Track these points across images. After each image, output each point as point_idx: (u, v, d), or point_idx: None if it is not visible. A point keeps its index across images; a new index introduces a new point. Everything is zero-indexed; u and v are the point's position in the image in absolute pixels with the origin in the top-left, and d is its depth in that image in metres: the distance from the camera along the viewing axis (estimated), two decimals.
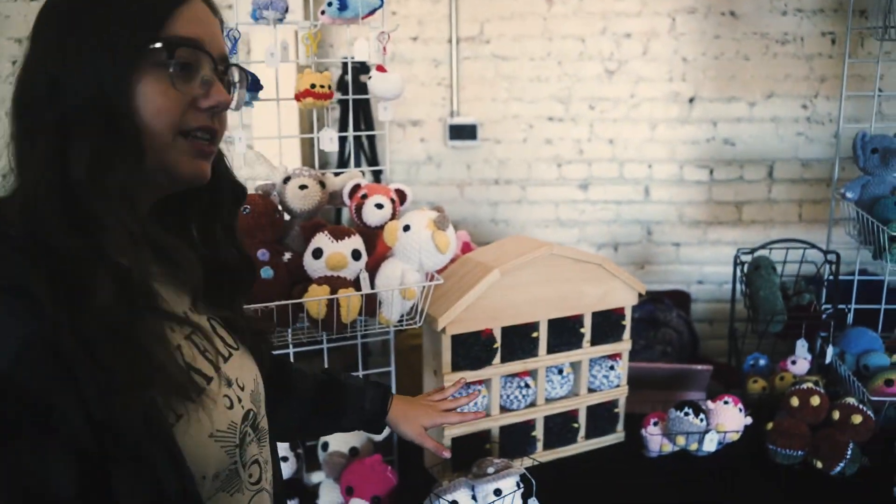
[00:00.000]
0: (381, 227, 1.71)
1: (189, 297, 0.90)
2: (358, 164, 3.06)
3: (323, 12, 1.80)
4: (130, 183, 0.78)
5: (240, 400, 0.90)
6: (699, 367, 2.10)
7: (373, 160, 3.08)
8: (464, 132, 3.11)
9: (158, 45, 0.79)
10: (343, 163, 3.03)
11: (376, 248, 1.74)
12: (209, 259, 0.92)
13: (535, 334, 1.76)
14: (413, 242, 1.62)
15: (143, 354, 0.73)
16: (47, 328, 0.68)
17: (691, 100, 3.02)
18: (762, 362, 2.14)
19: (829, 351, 2.05)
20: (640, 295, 1.88)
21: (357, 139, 3.04)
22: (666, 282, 3.12)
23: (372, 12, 1.79)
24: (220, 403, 0.85)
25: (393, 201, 1.79)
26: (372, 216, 1.75)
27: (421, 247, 1.61)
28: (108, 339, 0.71)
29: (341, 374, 1.35)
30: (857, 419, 1.76)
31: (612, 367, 1.87)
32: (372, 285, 1.66)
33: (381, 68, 1.83)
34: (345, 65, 2.97)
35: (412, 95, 3.16)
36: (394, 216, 1.78)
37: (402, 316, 1.69)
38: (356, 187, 1.80)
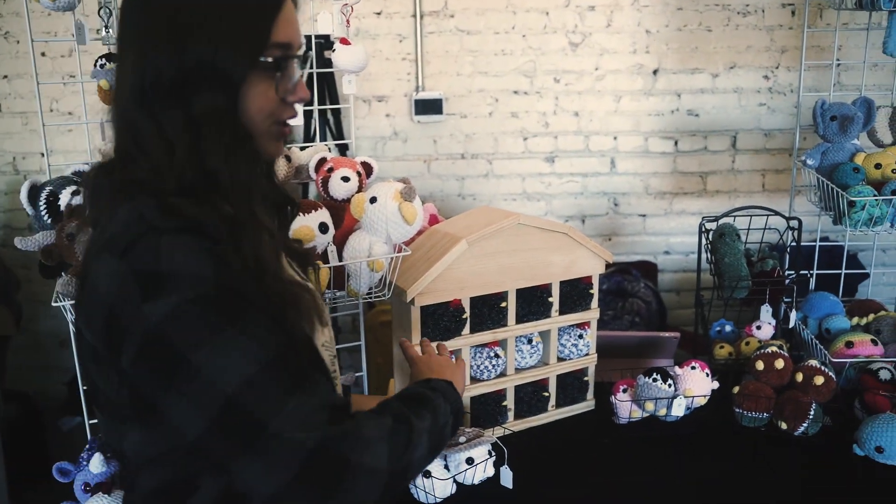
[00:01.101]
0: (347, 200, 1.71)
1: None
2: (324, 139, 3.03)
3: None
4: (246, 167, 0.95)
5: (327, 321, 1.13)
6: (666, 334, 2.13)
7: (338, 135, 3.05)
8: (429, 107, 3.09)
9: (269, 59, 0.93)
10: (309, 138, 2.99)
11: (343, 221, 1.73)
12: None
13: (503, 304, 1.76)
14: (380, 214, 1.61)
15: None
16: (224, 251, 0.88)
17: (655, 72, 3.03)
18: (728, 328, 2.17)
19: (793, 316, 2.08)
20: (607, 264, 1.89)
21: (322, 114, 3.01)
22: (633, 253, 3.15)
23: None
24: (323, 317, 1.09)
25: (359, 174, 1.78)
26: (338, 189, 1.74)
27: (388, 218, 1.61)
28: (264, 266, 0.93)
29: None
30: (820, 380, 1.79)
31: (580, 336, 1.88)
32: (340, 258, 1.66)
33: (344, 41, 1.82)
34: (308, 39, 2.96)
35: (377, 71, 3.13)
36: (360, 189, 1.78)
37: (370, 289, 1.69)
38: (322, 161, 1.78)
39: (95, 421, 1.41)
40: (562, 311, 1.85)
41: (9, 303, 2.85)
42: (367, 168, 1.82)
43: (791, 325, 2.08)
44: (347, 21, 1.81)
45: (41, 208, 1.53)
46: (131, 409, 0.92)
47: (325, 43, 2.97)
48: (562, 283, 1.84)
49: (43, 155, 1.66)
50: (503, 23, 3.03)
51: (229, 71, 0.90)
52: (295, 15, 0.97)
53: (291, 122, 1.85)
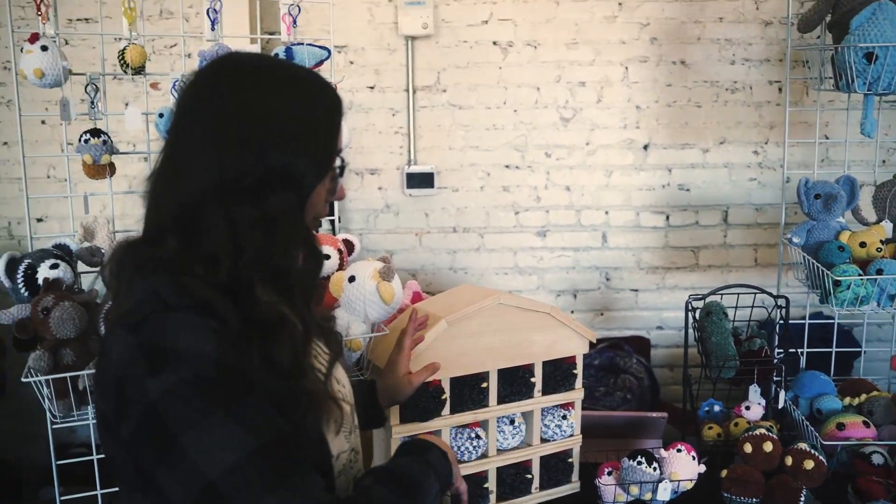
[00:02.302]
0: (328, 278, 1.70)
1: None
2: None
3: None
4: (315, 261, 1.07)
5: (345, 398, 1.10)
6: (654, 414, 2.09)
7: (329, 208, 3.07)
8: (421, 180, 3.12)
9: (337, 168, 1.03)
10: None
11: (324, 299, 1.72)
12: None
13: (484, 384, 1.74)
14: (358, 294, 1.61)
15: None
16: (229, 330, 0.91)
17: (646, 146, 3.06)
18: (717, 408, 2.13)
19: (782, 396, 2.05)
20: (591, 343, 1.87)
21: None
22: (625, 328, 3.13)
23: (320, 63, 1.80)
24: (348, 415, 1.09)
25: (341, 252, 1.79)
26: None
27: (366, 298, 1.60)
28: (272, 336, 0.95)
29: None
30: (810, 465, 1.75)
31: (564, 417, 1.85)
32: None
33: None
34: None
35: (370, 144, 3.17)
36: (342, 266, 1.77)
37: (349, 369, 1.67)
38: None
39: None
40: (545, 392, 1.83)
41: None
42: (349, 246, 1.82)
43: (780, 405, 2.05)
44: None
45: (19, 281, 1.53)
46: (137, 479, 0.93)
47: None
48: (545, 362, 1.82)
49: (40, 220, 1.67)
50: (495, 98, 3.08)
51: (304, 176, 0.97)
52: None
53: None
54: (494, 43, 3.05)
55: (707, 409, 2.14)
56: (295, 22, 1.74)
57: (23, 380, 1.45)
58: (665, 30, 2.99)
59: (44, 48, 1.51)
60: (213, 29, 1.68)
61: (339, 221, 3.12)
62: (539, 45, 3.03)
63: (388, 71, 3.12)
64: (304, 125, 0.97)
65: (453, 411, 1.71)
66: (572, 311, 3.14)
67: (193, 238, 0.94)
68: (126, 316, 0.92)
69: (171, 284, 0.92)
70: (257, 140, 0.94)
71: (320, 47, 1.76)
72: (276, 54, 1.74)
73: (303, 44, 1.73)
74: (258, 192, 0.94)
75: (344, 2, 3.11)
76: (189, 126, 0.98)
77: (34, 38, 1.51)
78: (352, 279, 1.61)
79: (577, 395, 1.87)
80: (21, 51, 1.52)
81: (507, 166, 3.11)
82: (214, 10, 1.67)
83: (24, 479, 2.93)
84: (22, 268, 1.52)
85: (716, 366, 2.00)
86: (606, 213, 3.09)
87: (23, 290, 1.52)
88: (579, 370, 1.87)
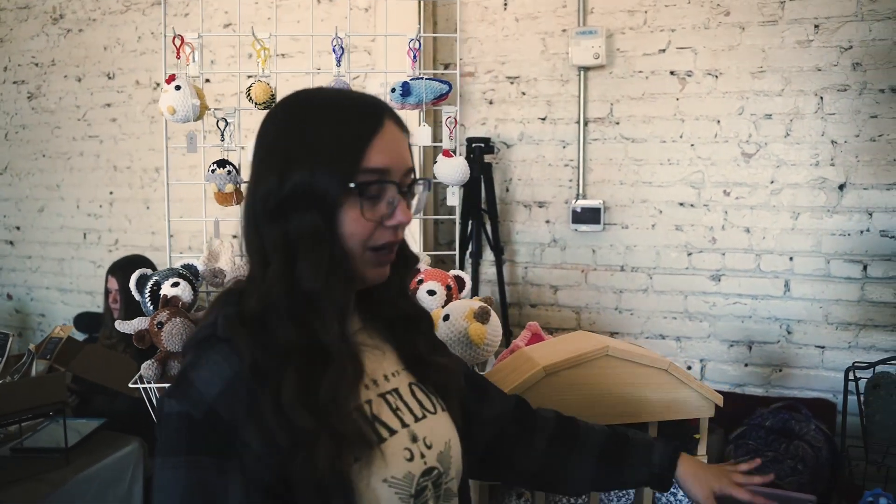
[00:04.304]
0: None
1: (395, 363, 1.06)
2: (479, 245, 3.05)
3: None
4: (341, 289, 0.95)
5: (422, 455, 1.00)
6: (799, 495, 1.81)
7: (494, 241, 3.05)
8: (589, 215, 3.00)
9: (353, 185, 0.93)
10: (464, 244, 3.03)
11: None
12: (391, 316, 1.07)
13: None
14: (451, 332, 1.56)
15: (323, 408, 0.90)
16: (247, 372, 0.88)
17: (841, 186, 2.71)
18: (883, 502, 1.80)
19: None
20: (717, 406, 1.67)
21: (479, 220, 3.04)
22: (807, 388, 2.77)
23: (440, 98, 1.79)
24: (399, 454, 0.97)
25: (449, 288, 1.75)
26: (423, 302, 1.72)
27: (458, 337, 1.55)
28: (298, 401, 0.88)
29: (630, 432, 1.34)
30: None
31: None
32: None
33: (447, 153, 1.82)
34: (469, 143, 3.03)
35: (539, 176, 3.12)
36: (449, 302, 1.74)
37: None
38: (415, 272, 1.77)
39: None
40: None
41: None
42: (460, 282, 1.78)
43: None
44: (451, 132, 1.81)
45: (146, 296, 1.66)
46: None
47: (485, 147, 3.04)
48: (662, 423, 1.65)
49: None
50: (670, 131, 2.90)
51: (324, 193, 0.92)
52: (398, 140, 0.98)
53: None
54: (672, 73, 2.87)
55: (871, 499, 1.81)
56: (415, 56, 1.75)
57: (130, 385, 1.57)
58: (871, 53, 2.64)
59: (177, 87, 1.64)
60: (338, 65, 1.72)
61: (503, 253, 3.09)
62: (720, 74, 2.80)
63: (560, 102, 3.06)
64: (324, 141, 0.94)
65: None
66: (746, 364, 2.85)
67: (249, 264, 0.97)
68: (191, 339, 0.97)
69: (227, 315, 0.93)
70: (280, 161, 0.93)
71: (442, 82, 1.74)
72: (394, 90, 1.75)
73: (422, 78, 1.72)
74: (280, 212, 0.92)
75: (519, 33, 3.10)
76: (252, 161, 1.02)
77: (171, 78, 1.66)
78: (446, 317, 1.57)
79: None
80: (161, 90, 1.67)
81: (681, 204, 2.91)
82: (340, 46, 1.72)
83: None
84: (149, 284, 1.66)
85: (877, 449, 1.69)
86: (791, 258, 2.77)
87: (149, 304, 1.65)
88: (704, 435, 1.67)
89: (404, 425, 0.99)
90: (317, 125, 0.95)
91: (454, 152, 1.80)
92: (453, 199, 1.84)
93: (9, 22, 4.22)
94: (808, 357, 2.77)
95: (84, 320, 3.48)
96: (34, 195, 4.26)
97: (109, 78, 3.96)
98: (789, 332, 2.79)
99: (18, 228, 4.35)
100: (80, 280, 4.14)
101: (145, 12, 3.83)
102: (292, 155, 0.93)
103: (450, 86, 1.77)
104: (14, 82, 4.24)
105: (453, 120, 1.82)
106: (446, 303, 1.73)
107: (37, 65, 4.16)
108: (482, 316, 1.54)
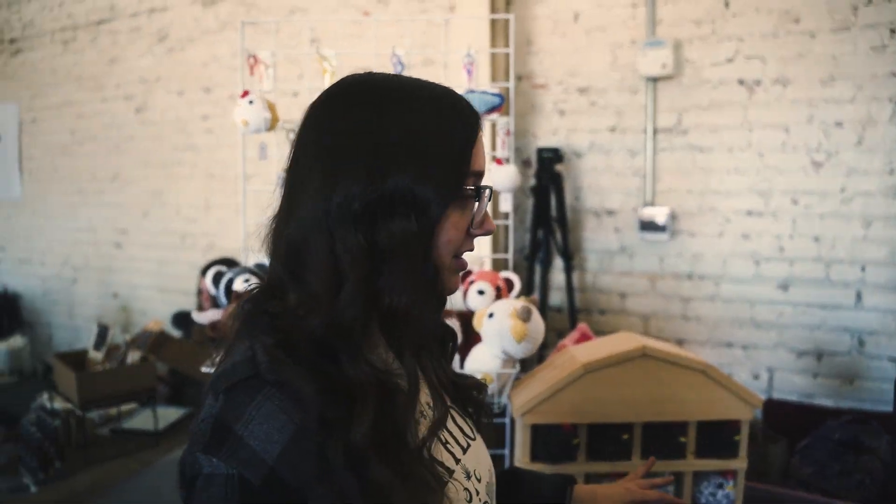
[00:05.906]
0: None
1: (427, 391, 0.93)
2: (548, 252, 3.13)
3: None
4: (433, 305, 0.88)
5: (477, 493, 0.91)
6: None
7: (564, 248, 3.13)
8: (657, 224, 3.04)
9: (471, 188, 0.85)
10: (534, 251, 3.13)
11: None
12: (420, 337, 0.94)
13: (625, 436, 1.68)
14: (494, 329, 1.66)
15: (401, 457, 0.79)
16: (311, 422, 0.75)
17: None
18: None
19: None
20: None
21: (549, 227, 3.12)
22: (881, 401, 2.71)
23: (492, 110, 1.89)
24: (461, 496, 0.87)
25: (499, 289, 1.85)
26: (473, 301, 1.83)
27: (501, 334, 1.65)
28: (374, 448, 0.76)
29: (518, 467, 1.32)
30: None
31: (720, 486, 1.71)
32: (462, 367, 1.73)
33: (498, 161, 1.92)
34: (539, 153, 3.13)
35: (608, 185, 3.18)
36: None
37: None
38: (467, 273, 1.88)
39: None
40: (699, 455, 1.70)
41: None
42: (509, 284, 1.88)
43: None
44: (503, 142, 1.92)
45: (221, 291, 1.84)
46: None
47: (555, 157, 3.12)
48: (701, 423, 1.70)
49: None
50: (738, 140, 2.90)
51: (429, 201, 0.81)
52: (482, 142, 0.90)
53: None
54: (740, 82, 2.88)
55: None
56: (469, 71, 1.86)
57: (202, 370, 1.74)
58: None
59: (250, 102, 1.81)
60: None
61: (572, 260, 3.16)
62: (789, 82, 2.79)
63: (629, 112, 3.11)
64: (428, 144, 0.82)
65: (590, 459, 1.68)
66: (815, 375, 2.81)
67: (302, 280, 0.81)
68: (220, 378, 0.80)
69: (269, 349, 0.79)
70: (371, 161, 0.81)
71: (494, 94, 1.84)
72: None
73: (474, 91, 1.83)
74: (368, 218, 0.80)
75: (589, 45, 3.17)
76: (301, 155, 0.86)
77: (245, 94, 1.83)
78: (491, 315, 1.67)
79: (738, 464, 1.71)
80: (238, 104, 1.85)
81: (748, 213, 2.91)
82: (399, 62, 1.85)
83: None
84: (224, 280, 1.83)
85: None
86: (863, 268, 2.73)
87: (223, 298, 1.83)
88: (744, 437, 1.71)
89: (457, 461, 0.90)
90: (420, 119, 0.84)
91: (506, 161, 1.90)
92: (506, 205, 1.94)
93: (122, 43, 4.59)
94: (882, 370, 2.72)
95: (180, 319, 3.75)
96: (139, 201, 4.61)
97: (206, 92, 4.25)
98: (861, 344, 2.75)
99: (125, 232, 4.71)
100: (177, 281, 4.45)
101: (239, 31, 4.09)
102: (388, 152, 0.81)
103: (501, 98, 1.87)
104: (124, 98, 4.61)
105: (506, 129, 1.92)
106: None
107: (143, 81, 4.51)
108: (524, 314, 1.64)
